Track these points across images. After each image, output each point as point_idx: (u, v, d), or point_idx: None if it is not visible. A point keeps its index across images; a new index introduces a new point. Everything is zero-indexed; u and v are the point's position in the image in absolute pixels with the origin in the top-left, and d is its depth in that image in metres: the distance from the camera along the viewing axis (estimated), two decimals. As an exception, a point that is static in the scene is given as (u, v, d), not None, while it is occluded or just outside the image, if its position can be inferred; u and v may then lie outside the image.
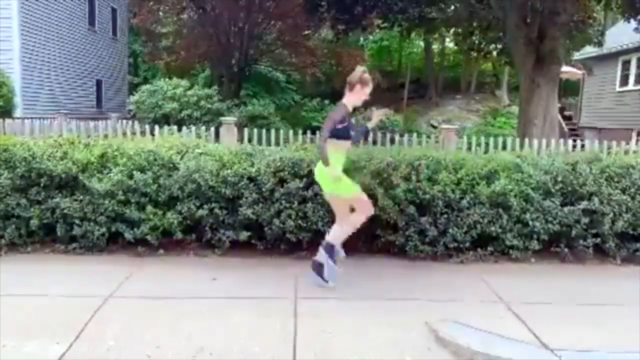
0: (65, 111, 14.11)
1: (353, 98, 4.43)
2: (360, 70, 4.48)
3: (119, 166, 5.21)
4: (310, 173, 5.15)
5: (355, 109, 4.67)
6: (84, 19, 20.76)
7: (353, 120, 4.45)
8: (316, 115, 23.25)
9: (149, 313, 3.96)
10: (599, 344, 3.61)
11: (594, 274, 5.17)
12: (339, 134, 4.29)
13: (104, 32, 22.58)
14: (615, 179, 5.46)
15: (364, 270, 5.05)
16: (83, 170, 5.22)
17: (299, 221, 5.16)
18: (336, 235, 4.55)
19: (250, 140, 9.80)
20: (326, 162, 4.19)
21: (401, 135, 10.33)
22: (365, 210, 4.48)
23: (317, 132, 11.17)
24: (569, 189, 5.36)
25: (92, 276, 4.68)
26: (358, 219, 4.48)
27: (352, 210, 4.51)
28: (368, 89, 4.44)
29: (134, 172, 5.13)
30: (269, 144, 9.80)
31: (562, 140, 10.13)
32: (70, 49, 19.67)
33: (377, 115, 4.92)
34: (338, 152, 4.33)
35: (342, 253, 4.64)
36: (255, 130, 10.10)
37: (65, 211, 5.15)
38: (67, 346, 3.40)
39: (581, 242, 5.35)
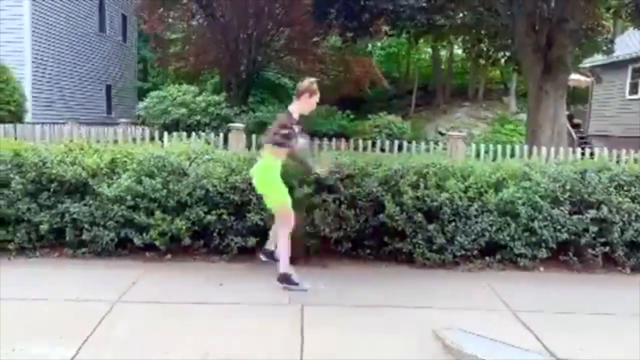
0: (76, 116, 14.21)
1: (300, 106, 4.53)
2: (309, 80, 4.59)
3: (128, 172, 5.25)
4: (318, 180, 5.16)
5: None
6: (94, 25, 20.96)
7: (299, 129, 4.50)
8: (324, 121, 23.29)
9: (156, 318, 3.98)
10: (608, 353, 3.59)
11: (602, 283, 5.14)
12: (280, 141, 4.36)
13: (113, 38, 22.79)
14: (625, 188, 5.43)
15: (370, 277, 5.05)
16: (93, 175, 5.26)
17: (307, 228, 5.17)
18: (283, 263, 4.56)
19: (258, 147, 9.82)
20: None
21: (409, 143, 10.32)
22: (286, 224, 4.48)
23: (325, 138, 11.22)
24: (578, 197, 5.34)
25: (101, 281, 4.72)
26: (285, 235, 4.50)
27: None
28: (315, 99, 4.54)
29: (143, 178, 5.16)
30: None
31: (570, 148, 10.09)
32: (80, 54, 19.85)
33: (326, 162, 4.95)
34: (277, 157, 4.44)
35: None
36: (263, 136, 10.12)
37: (74, 216, 5.19)
38: (75, 350, 3.42)
39: (590, 250, 5.32)
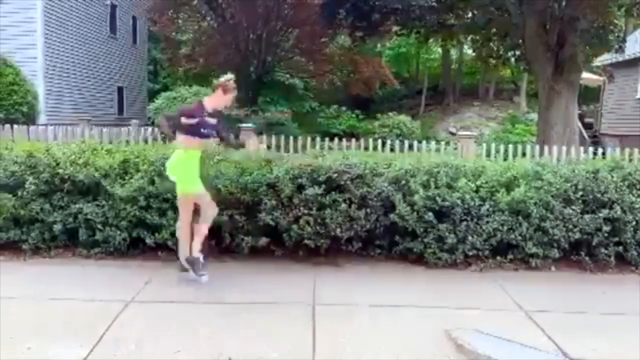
0: (87, 118, 14.32)
1: (213, 100, 4.63)
2: (225, 77, 4.65)
3: (140, 172, 5.28)
4: (330, 179, 5.18)
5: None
6: (105, 27, 21.10)
7: (214, 121, 4.58)
8: (333, 121, 23.31)
9: (169, 317, 4.01)
10: (621, 354, 3.57)
11: (615, 283, 5.10)
12: (186, 128, 4.43)
13: (124, 40, 22.93)
14: (638, 187, 5.39)
15: (381, 277, 5.05)
16: (105, 176, 5.30)
17: (318, 227, 5.18)
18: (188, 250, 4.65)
19: (268, 147, 9.85)
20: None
21: (419, 142, 10.30)
22: (209, 211, 4.60)
23: (335, 138, 11.23)
24: (590, 196, 5.31)
25: (114, 280, 4.76)
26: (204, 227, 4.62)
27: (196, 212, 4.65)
28: (229, 96, 4.63)
29: (156, 178, 5.20)
30: (286, 150, 9.85)
31: (582, 148, 10.02)
32: (92, 56, 20.00)
33: (254, 143, 4.99)
34: (189, 147, 4.47)
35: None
36: (274, 136, 10.16)
37: (87, 216, 5.24)
38: (90, 349, 3.45)
39: (602, 250, 5.29)
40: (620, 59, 18.02)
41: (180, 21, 23.52)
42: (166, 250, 5.24)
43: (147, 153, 5.57)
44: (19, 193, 5.28)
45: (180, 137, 4.52)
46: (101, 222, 5.23)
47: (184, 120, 4.43)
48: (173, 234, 5.17)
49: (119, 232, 5.22)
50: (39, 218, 5.30)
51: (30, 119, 13.10)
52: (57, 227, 5.27)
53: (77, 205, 5.27)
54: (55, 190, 5.33)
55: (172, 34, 23.96)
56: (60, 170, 5.28)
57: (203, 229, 4.63)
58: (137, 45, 24.33)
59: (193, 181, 4.50)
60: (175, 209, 5.19)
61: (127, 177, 5.32)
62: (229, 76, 4.65)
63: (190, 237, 4.65)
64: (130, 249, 5.35)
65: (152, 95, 21.39)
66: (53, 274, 4.91)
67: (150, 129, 12.09)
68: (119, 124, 14.54)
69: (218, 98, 4.63)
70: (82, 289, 4.52)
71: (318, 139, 10.79)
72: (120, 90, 22.41)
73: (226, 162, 5.47)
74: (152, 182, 5.19)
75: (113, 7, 21.54)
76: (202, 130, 4.45)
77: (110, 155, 5.56)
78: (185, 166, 4.47)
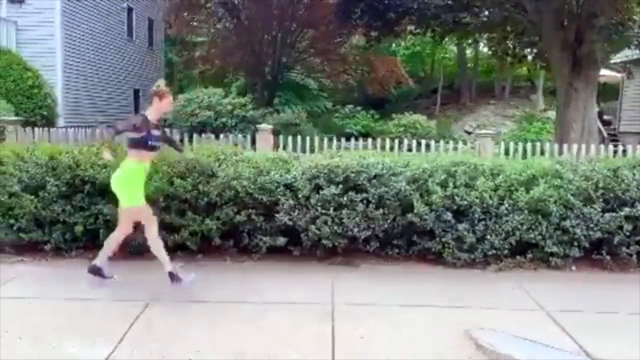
0: (105, 120, 14.50)
1: (154, 110, 4.59)
2: (155, 84, 4.64)
3: (159, 173, 5.33)
4: (347, 179, 5.18)
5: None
6: (122, 31, 21.32)
7: (158, 132, 4.57)
8: (348, 122, 23.25)
9: (189, 317, 4.04)
10: (645, 354, 3.52)
11: (637, 282, 5.02)
12: (134, 142, 4.41)
13: (141, 43, 23.14)
14: (660, 185, 5.31)
15: (400, 277, 5.04)
16: (125, 177, 5.35)
17: (335, 227, 5.18)
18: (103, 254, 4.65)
19: (284, 147, 9.89)
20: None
21: (436, 142, 10.25)
22: (123, 229, 4.61)
23: (352, 138, 11.22)
24: (611, 195, 5.24)
25: (134, 281, 4.80)
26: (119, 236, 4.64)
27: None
28: (166, 101, 4.59)
29: (174, 179, 5.24)
30: (303, 150, 9.87)
31: (601, 146, 9.89)
32: (109, 59, 20.22)
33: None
34: (137, 160, 4.44)
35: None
36: (290, 137, 10.19)
37: (107, 217, 5.29)
38: (112, 349, 3.49)
39: (624, 249, 5.22)
40: (640, 55, 17.75)
41: (195, 23, 23.67)
42: (185, 250, 5.29)
43: (166, 154, 5.60)
44: (41, 194, 5.36)
45: (130, 151, 4.49)
46: (121, 223, 5.28)
47: (131, 134, 4.44)
48: (192, 234, 5.22)
49: (138, 233, 5.26)
50: (60, 219, 5.37)
51: (49, 121, 13.26)
52: (78, 228, 5.34)
53: (98, 207, 5.33)
54: (76, 192, 5.40)
55: (187, 36, 24.14)
56: (81, 172, 5.35)
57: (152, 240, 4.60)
58: (153, 47, 24.54)
59: (138, 195, 4.50)
60: (194, 210, 5.24)
61: (146, 178, 5.36)
62: (158, 82, 4.70)
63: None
64: (149, 249, 5.39)
65: (169, 97, 21.52)
66: (74, 275, 4.96)
67: (167, 130, 12.20)
68: (136, 126, 14.63)
69: (157, 106, 4.60)
70: (103, 289, 4.56)
71: (334, 139, 10.80)
72: (136, 92, 22.63)
73: (243, 163, 5.50)
74: (172, 183, 5.23)
75: (129, 10, 21.76)
76: (149, 142, 4.46)
77: (130, 157, 5.60)
78: (132, 180, 4.46)
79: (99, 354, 3.41)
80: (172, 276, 4.49)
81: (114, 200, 5.33)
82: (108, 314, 4.06)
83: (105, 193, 5.38)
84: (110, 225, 5.29)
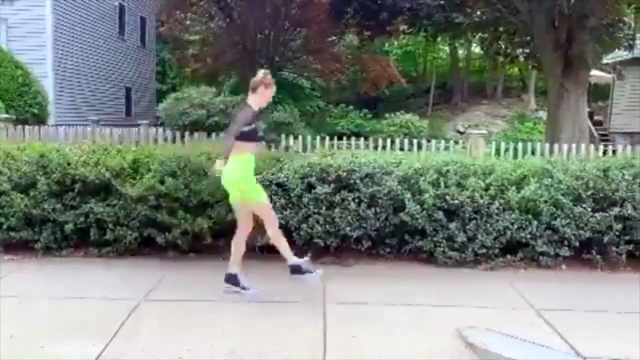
0: (96, 118, 14.42)
1: (257, 99, 4.41)
2: (261, 73, 4.49)
3: (150, 172, 5.31)
4: (339, 178, 5.19)
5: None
6: (114, 28, 21.22)
7: (261, 123, 4.50)
8: (341, 121, 23.28)
9: (181, 316, 4.03)
10: (634, 353, 3.55)
11: (626, 282, 5.07)
12: (245, 136, 4.27)
13: (132, 41, 23.04)
14: (649, 185, 5.35)
15: (392, 276, 5.05)
16: (116, 175, 5.34)
17: (327, 226, 5.19)
18: (235, 259, 4.51)
19: (277, 147, 9.87)
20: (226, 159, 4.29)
21: (428, 141, 10.28)
22: (272, 223, 4.40)
23: (343, 137, 11.24)
24: (601, 194, 5.28)
25: (125, 280, 4.79)
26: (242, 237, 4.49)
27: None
28: (271, 91, 4.46)
29: (166, 178, 5.22)
30: (295, 150, 9.86)
31: (592, 145, 9.96)
32: (100, 57, 20.12)
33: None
34: (244, 154, 4.29)
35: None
36: (283, 136, 10.18)
37: (98, 216, 5.28)
38: (102, 347, 3.48)
39: (614, 248, 5.26)
40: (630, 56, 17.87)
41: (188, 22, 23.58)
42: (177, 249, 5.27)
43: (158, 153, 5.60)
44: (31, 193, 5.33)
45: (239, 145, 4.28)
46: (112, 222, 5.27)
47: (245, 129, 4.26)
48: (183, 233, 5.21)
49: (129, 232, 5.25)
50: (50, 218, 5.35)
51: (40, 119, 13.18)
52: (69, 227, 5.31)
53: (88, 205, 5.31)
54: (67, 190, 5.37)
55: (180, 34, 24.03)
56: (72, 171, 5.32)
57: (278, 236, 4.45)
58: (146, 46, 24.45)
59: (257, 189, 4.38)
60: (185, 209, 5.23)
61: (137, 177, 5.35)
62: (264, 71, 4.53)
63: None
64: (141, 248, 5.38)
65: (161, 95, 21.48)
66: (65, 274, 4.95)
67: (160, 129, 12.15)
68: (127, 125, 14.60)
69: (262, 96, 4.42)
70: (93, 288, 4.55)
71: (327, 138, 10.80)
72: (128, 90, 22.53)
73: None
74: (163, 182, 5.21)
75: (121, 8, 21.66)
76: (258, 134, 4.35)
77: (121, 155, 5.59)
78: (248, 174, 4.32)
79: (91, 352, 3.39)
80: (294, 268, 4.38)
81: (105, 199, 5.34)
82: (98, 312, 4.04)
83: (96, 191, 5.37)
84: (101, 223, 5.28)
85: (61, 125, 12.11)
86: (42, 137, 9.71)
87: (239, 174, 4.29)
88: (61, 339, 3.59)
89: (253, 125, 4.30)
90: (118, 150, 5.79)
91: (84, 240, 5.45)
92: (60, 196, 5.38)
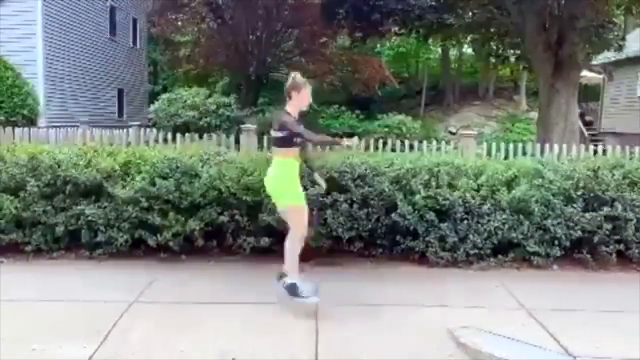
0: (87, 120, 14.35)
1: (293, 104, 4.29)
2: (290, 78, 4.37)
3: (142, 173, 5.29)
4: (330, 180, 5.18)
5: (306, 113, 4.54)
6: (105, 29, 21.12)
7: (301, 128, 4.22)
8: (333, 122, 23.27)
9: (172, 318, 4.02)
10: (624, 351, 3.57)
11: (617, 281, 5.11)
12: (282, 140, 4.20)
13: (124, 42, 22.94)
14: (638, 185, 5.39)
15: (383, 276, 5.05)
16: (107, 177, 5.31)
17: (319, 228, 5.19)
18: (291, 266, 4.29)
19: (269, 148, 9.86)
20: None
21: (419, 142, 10.30)
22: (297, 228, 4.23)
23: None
24: (591, 194, 5.31)
25: (117, 282, 4.76)
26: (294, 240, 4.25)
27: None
28: (305, 92, 4.31)
29: (157, 179, 5.21)
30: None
31: (582, 146, 10.02)
32: (92, 58, 20.02)
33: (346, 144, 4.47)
34: (288, 158, 4.22)
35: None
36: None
37: (89, 218, 5.25)
38: (94, 350, 3.46)
39: (604, 248, 5.29)
40: (620, 57, 18.03)
41: (180, 22, 23.55)
42: (168, 251, 5.26)
43: (149, 154, 5.58)
44: (21, 195, 5.30)
45: (279, 150, 4.24)
46: (103, 224, 5.24)
47: (277, 133, 4.20)
48: (175, 235, 5.19)
49: (120, 234, 5.23)
50: (41, 220, 5.31)
51: (30, 121, 13.11)
52: (60, 229, 5.28)
53: (79, 207, 5.28)
54: (57, 192, 5.34)
55: (171, 35, 23.99)
56: (62, 172, 5.29)
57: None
58: (137, 46, 24.35)
59: (300, 193, 4.26)
60: (177, 210, 5.21)
61: (128, 179, 5.33)
62: (293, 75, 4.39)
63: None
64: (132, 250, 5.36)
65: (153, 96, 21.41)
66: (56, 276, 4.92)
67: (151, 130, 12.11)
68: (118, 126, 14.55)
69: (296, 101, 4.29)
70: (85, 290, 4.53)
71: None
72: (120, 92, 22.43)
73: (227, 163, 5.49)
74: (154, 184, 5.19)
75: (112, 9, 21.56)
76: (294, 139, 4.20)
77: (112, 157, 5.57)
78: (289, 177, 4.21)
79: (82, 354, 3.38)
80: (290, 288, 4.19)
81: (96, 201, 5.31)
82: (89, 314, 4.01)
83: (87, 193, 5.34)
84: (92, 225, 5.25)
85: (52, 126, 12.03)
86: (33, 139, 9.64)
87: (278, 179, 4.24)
88: (52, 341, 3.57)
89: (288, 131, 4.17)
90: (109, 152, 5.77)
91: (75, 243, 5.42)
92: (50, 198, 5.34)
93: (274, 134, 4.27)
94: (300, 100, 4.28)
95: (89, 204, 5.29)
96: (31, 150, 5.57)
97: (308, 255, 4.67)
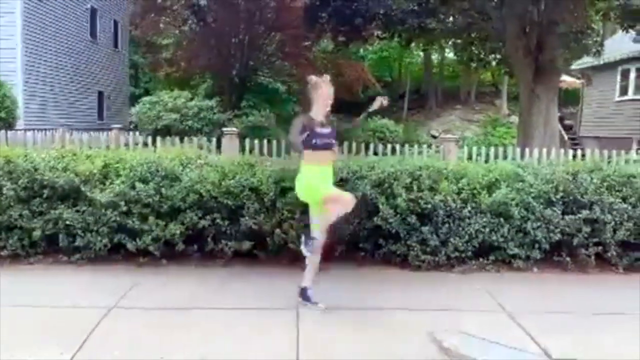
0: (68, 123, 14.16)
1: (316, 107, 4.29)
2: (309, 79, 4.40)
3: (121, 177, 5.23)
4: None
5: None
6: (85, 31, 20.88)
7: (326, 130, 4.26)
8: (316, 125, 23.25)
9: (152, 324, 3.96)
10: (603, 353, 3.61)
11: (596, 283, 5.16)
12: (303, 143, 4.16)
13: (105, 44, 22.69)
14: (616, 188, 5.47)
15: (365, 280, 5.05)
16: (85, 181, 5.23)
17: (301, 231, 5.16)
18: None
19: (251, 151, 9.83)
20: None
21: (402, 146, 10.33)
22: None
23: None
24: (570, 198, 5.37)
25: (96, 287, 4.69)
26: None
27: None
28: (324, 92, 4.30)
29: (136, 183, 5.14)
30: (270, 154, 9.83)
31: (562, 150, 10.14)
32: (72, 61, 19.77)
33: (377, 101, 4.69)
34: (308, 161, 4.20)
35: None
36: (257, 141, 10.13)
37: (67, 222, 5.16)
38: (71, 357, 3.40)
39: (583, 250, 5.35)
40: (598, 62, 18.33)
41: (161, 25, 23.38)
42: (148, 255, 5.19)
43: (128, 158, 5.51)
44: (-3, 199, 5.19)
45: (302, 154, 4.23)
46: (81, 228, 5.16)
47: (298, 137, 4.16)
48: (155, 239, 5.13)
49: (99, 238, 5.15)
50: (17, 224, 5.21)
51: (8, 124, 12.87)
52: (37, 234, 5.18)
53: (57, 211, 5.18)
54: (35, 196, 5.24)
55: (153, 38, 23.82)
56: (39, 176, 5.19)
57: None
58: (118, 49, 24.11)
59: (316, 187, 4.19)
60: (157, 214, 5.15)
61: (107, 182, 5.26)
62: (310, 76, 4.42)
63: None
64: (112, 255, 5.28)
65: (134, 99, 21.20)
66: (33, 281, 4.83)
67: (131, 133, 11.98)
68: (99, 129, 14.38)
69: (317, 101, 4.29)
70: (63, 295, 4.45)
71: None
72: (100, 94, 22.18)
73: (208, 166, 5.44)
74: (133, 187, 5.13)
75: (93, 11, 21.32)
76: (313, 141, 4.15)
77: (90, 161, 5.48)
78: (310, 182, 4.18)
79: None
80: (304, 294, 4.36)
81: (74, 205, 5.23)
82: (67, 320, 3.93)
83: (65, 197, 5.26)
84: (71, 230, 5.16)
85: (30, 129, 11.84)
86: (10, 142, 9.47)
87: (302, 181, 4.23)
88: (27, 349, 3.49)
89: (307, 133, 4.13)
90: (88, 156, 5.69)
91: (53, 247, 5.32)
92: (27, 202, 5.24)
93: None
94: (319, 100, 4.28)
95: (67, 208, 5.20)
96: (7, 153, 5.46)
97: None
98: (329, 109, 4.36)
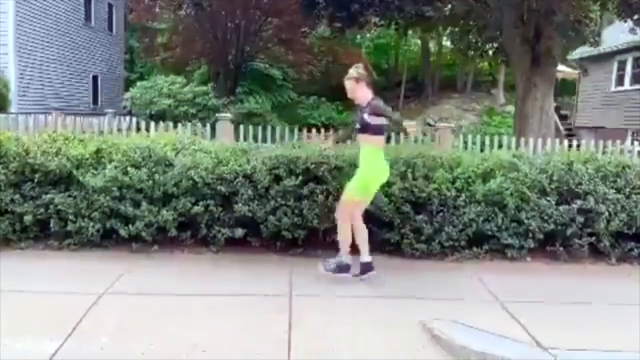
0: (61, 107, 14.04)
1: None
2: (363, 68, 4.70)
3: (113, 162, 5.18)
4: (307, 170, 5.14)
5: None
6: (80, 15, 20.64)
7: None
8: (312, 112, 23.21)
9: (143, 310, 3.94)
10: (594, 342, 3.61)
11: (589, 273, 5.18)
12: (379, 129, 4.52)
13: (100, 28, 22.45)
14: (611, 178, 5.46)
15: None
16: (77, 166, 5.19)
17: (295, 218, 5.15)
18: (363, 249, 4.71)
19: (245, 138, 9.78)
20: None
21: (397, 134, 10.30)
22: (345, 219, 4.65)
23: (313, 129, 11.20)
24: (565, 188, 5.36)
25: (87, 272, 4.66)
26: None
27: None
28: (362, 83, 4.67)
29: (129, 168, 5.10)
30: (264, 141, 9.79)
31: (557, 140, 10.13)
32: (66, 44, 19.56)
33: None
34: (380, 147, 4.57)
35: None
36: (251, 127, 10.08)
37: (59, 207, 5.12)
38: (60, 343, 3.38)
39: (576, 241, 5.35)
40: (596, 52, 18.30)
41: (157, 9, 23.14)
42: (140, 241, 5.15)
43: (121, 143, 5.46)
44: (-13, 183, 5.14)
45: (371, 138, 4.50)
46: (73, 213, 5.12)
47: (376, 120, 4.43)
48: (148, 225, 5.10)
49: (91, 223, 5.11)
50: (8, 209, 5.16)
51: (0, 108, 12.76)
52: (28, 218, 5.14)
53: (49, 196, 5.14)
54: (26, 181, 5.20)
55: (149, 22, 23.59)
56: (31, 160, 5.14)
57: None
58: (113, 33, 23.86)
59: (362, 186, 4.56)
60: (150, 200, 5.12)
61: (100, 167, 5.21)
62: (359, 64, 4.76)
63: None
64: (104, 240, 5.25)
65: (129, 84, 21.03)
66: (23, 267, 4.79)
67: (127, 118, 11.89)
68: (93, 114, 14.27)
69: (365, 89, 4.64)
70: (54, 281, 4.42)
71: (295, 129, 10.75)
72: (95, 79, 21.99)
73: (202, 152, 5.40)
74: (126, 173, 5.09)
75: (88, -6, 21.07)
76: (383, 127, 4.50)
77: (83, 145, 5.44)
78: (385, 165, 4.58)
79: (48, 349, 3.29)
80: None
81: (66, 189, 5.18)
82: (57, 306, 3.90)
83: (56, 182, 5.21)
84: (62, 215, 5.12)
85: (22, 113, 11.73)
86: (2, 126, 9.38)
87: (381, 165, 4.59)
88: (16, 334, 3.47)
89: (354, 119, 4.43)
90: (80, 140, 5.64)
91: (44, 232, 5.28)
92: (19, 186, 5.20)
93: None
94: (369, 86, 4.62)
95: (58, 193, 5.16)
96: (-2, 137, 5.40)
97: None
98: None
